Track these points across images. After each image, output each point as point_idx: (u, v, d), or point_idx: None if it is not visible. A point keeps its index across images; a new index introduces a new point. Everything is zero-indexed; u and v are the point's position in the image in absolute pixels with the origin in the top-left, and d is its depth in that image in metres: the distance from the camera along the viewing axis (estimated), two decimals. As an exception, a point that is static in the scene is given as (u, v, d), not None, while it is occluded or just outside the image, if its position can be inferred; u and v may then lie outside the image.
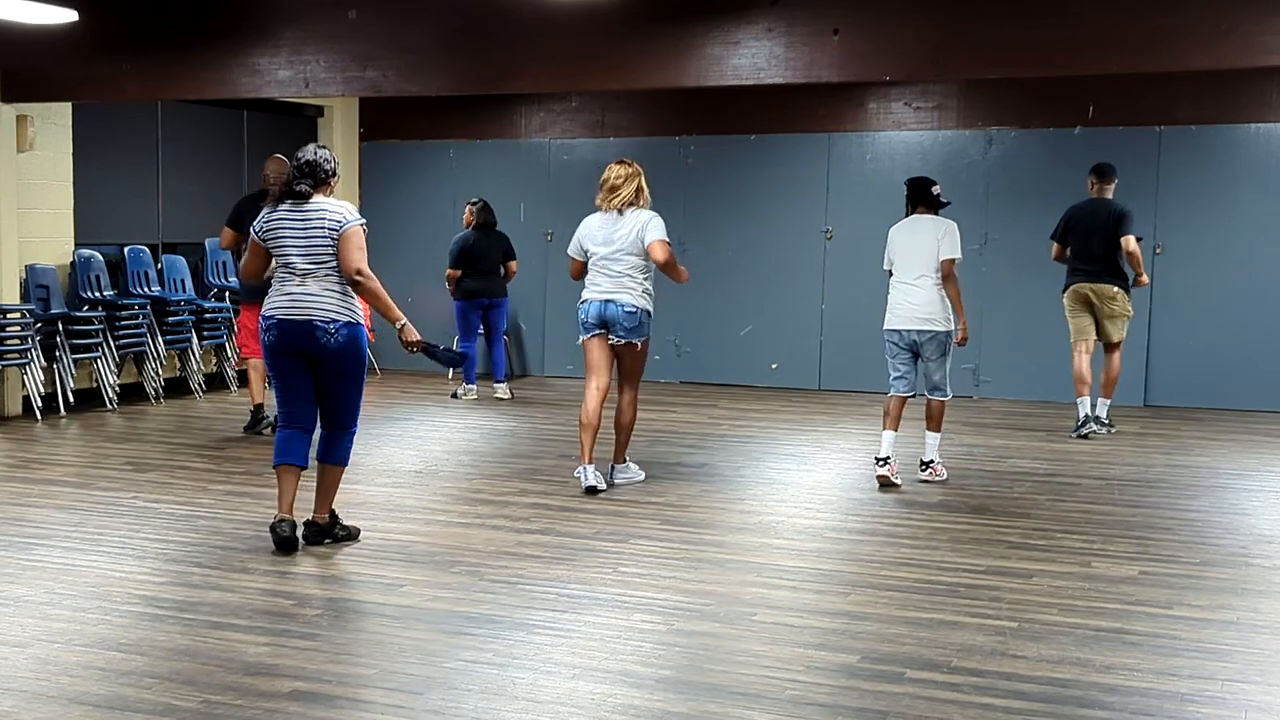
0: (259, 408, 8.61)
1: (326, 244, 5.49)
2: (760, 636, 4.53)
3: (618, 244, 6.88)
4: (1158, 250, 10.12)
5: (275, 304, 5.55)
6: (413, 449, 8.17)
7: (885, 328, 7.32)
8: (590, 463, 6.91)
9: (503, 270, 10.40)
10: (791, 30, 6.96)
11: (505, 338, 10.83)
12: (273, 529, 5.59)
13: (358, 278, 5.48)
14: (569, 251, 7.13)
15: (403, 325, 5.64)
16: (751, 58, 7.06)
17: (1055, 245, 9.03)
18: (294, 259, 5.52)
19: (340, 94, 8.30)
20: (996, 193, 10.47)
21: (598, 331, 6.95)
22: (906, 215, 7.36)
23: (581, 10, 7.30)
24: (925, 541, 5.90)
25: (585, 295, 7.01)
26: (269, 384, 5.98)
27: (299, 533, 5.63)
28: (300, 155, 5.64)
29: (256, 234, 5.63)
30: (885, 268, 7.41)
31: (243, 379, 10.79)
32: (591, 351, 7.00)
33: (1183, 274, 10.16)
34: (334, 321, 5.47)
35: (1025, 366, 10.45)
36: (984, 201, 10.42)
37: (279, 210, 5.59)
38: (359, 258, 5.49)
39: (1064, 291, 9.03)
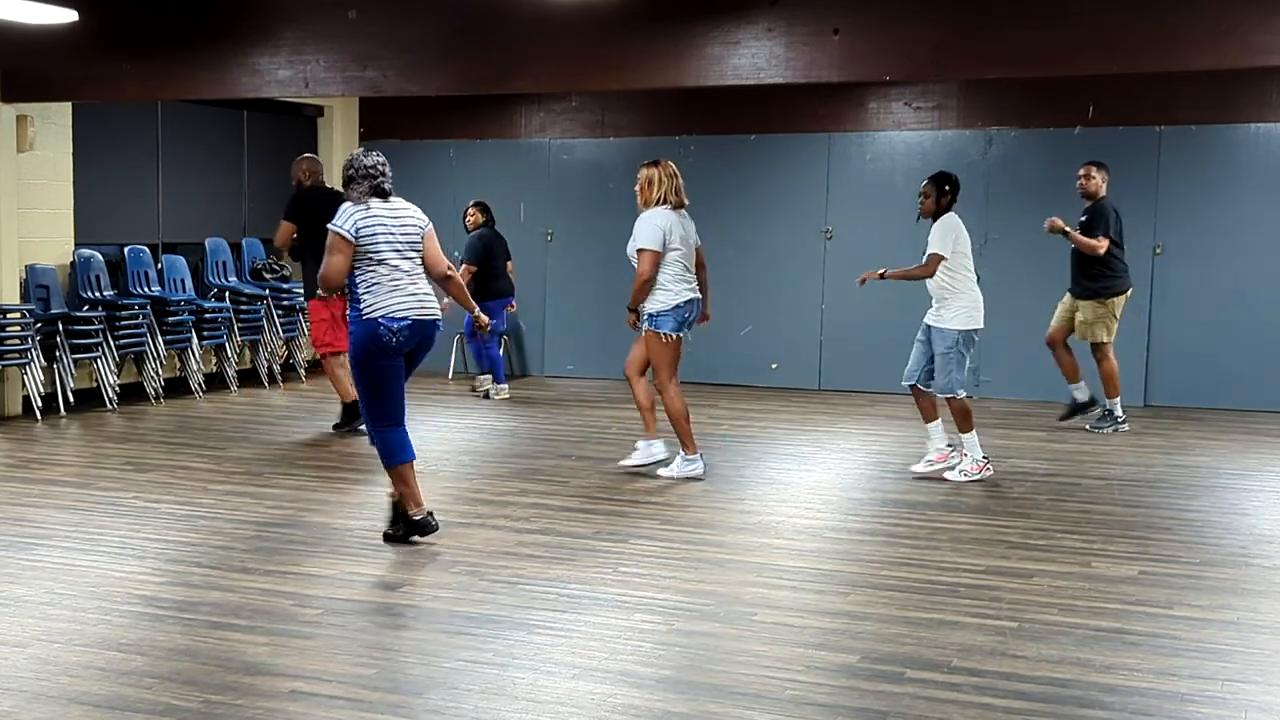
0: (355, 404, 8.06)
1: (417, 242, 5.67)
2: (760, 636, 4.53)
3: (691, 242, 7.18)
4: (1158, 250, 10.12)
5: (404, 304, 5.60)
6: (413, 449, 8.16)
7: (978, 328, 7.32)
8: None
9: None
10: (791, 30, 6.97)
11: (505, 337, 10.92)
12: (425, 525, 5.72)
13: (450, 273, 5.81)
14: (657, 246, 6.98)
15: (477, 315, 6.16)
16: (751, 58, 7.06)
17: (1108, 241, 8.73)
18: (392, 257, 5.58)
19: (340, 94, 8.31)
20: (996, 193, 10.47)
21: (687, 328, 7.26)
22: (946, 211, 7.25)
23: (581, 10, 7.30)
24: (925, 541, 5.90)
25: (685, 296, 7.10)
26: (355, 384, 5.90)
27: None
28: (373, 155, 5.66)
29: (349, 234, 5.50)
30: (947, 252, 7.17)
31: (244, 377, 10.79)
32: (677, 348, 7.22)
33: (1183, 274, 10.15)
34: (439, 316, 5.77)
35: (1025, 366, 10.44)
36: (984, 201, 10.41)
37: (374, 209, 5.59)
38: (442, 255, 5.80)
39: (1121, 294, 8.86)
